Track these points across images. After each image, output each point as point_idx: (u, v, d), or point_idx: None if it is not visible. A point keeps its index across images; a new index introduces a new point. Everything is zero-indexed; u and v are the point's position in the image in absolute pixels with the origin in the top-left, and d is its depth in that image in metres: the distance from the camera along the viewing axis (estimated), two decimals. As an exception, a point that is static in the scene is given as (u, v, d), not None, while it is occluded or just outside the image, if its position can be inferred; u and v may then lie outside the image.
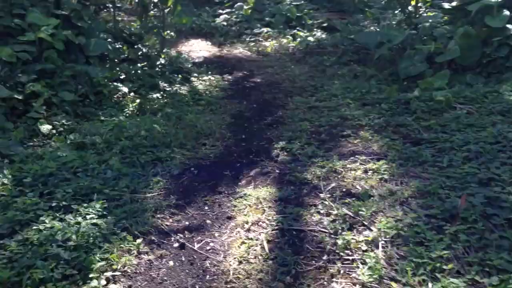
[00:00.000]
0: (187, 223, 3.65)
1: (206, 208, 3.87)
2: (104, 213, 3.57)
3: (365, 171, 4.10)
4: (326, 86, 7.15)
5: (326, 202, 3.66)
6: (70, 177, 4.07)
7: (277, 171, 4.41)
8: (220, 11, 13.60)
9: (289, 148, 4.85)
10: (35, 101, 5.47)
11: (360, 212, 3.40)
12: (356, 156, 4.42)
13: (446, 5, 10.55)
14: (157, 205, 3.83)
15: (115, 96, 6.27)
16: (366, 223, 3.29)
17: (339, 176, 4.07)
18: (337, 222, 3.37)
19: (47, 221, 3.41)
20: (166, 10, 8.27)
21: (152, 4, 8.52)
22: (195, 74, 7.76)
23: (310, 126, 5.43)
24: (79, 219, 3.47)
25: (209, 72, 8.12)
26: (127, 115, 5.91)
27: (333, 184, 3.96)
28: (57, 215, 3.54)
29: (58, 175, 4.09)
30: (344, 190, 3.83)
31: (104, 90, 6.20)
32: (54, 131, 5.21)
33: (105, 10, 12.57)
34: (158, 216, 3.70)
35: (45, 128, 5.15)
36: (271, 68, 8.64)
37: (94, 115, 5.77)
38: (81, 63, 6.50)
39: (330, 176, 4.11)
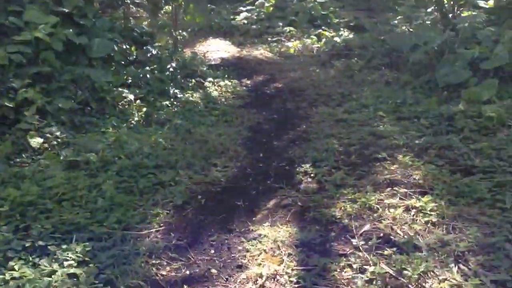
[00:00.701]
0: (187, 272, 2.97)
1: (213, 251, 3.18)
2: (86, 258, 2.93)
3: (407, 210, 3.37)
4: (355, 94, 6.40)
5: (360, 253, 2.94)
6: (52, 207, 3.44)
7: (299, 203, 3.70)
8: (241, 8, 12.90)
9: (314, 173, 4.13)
10: (27, 109, 4.86)
11: (405, 272, 2.67)
12: (395, 187, 3.69)
13: (482, 3, 9.69)
14: (153, 246, 3.16)
15: (120, 104, 5.63)
16: (413, 289, 2.57)
17: (375, 215, 3.34)
18: (374, 283, 2.65)
19: (16, 267, 2.79)
20: (178, 8, 7.59)
21: (163, 1, 7.84)
22: (210, 79, 7.07)
23: (338, 144, 4.70)
24: (55, 266, 2.84)
25: (226, 76, 7.42)
26: (132, 125, 5.26)
27: (367, 226, 3.23)
28: (31, 258, 2.92)
29: (39, 204, 3.46)
30: (381, 235, 3.11)
31: (107, 96, 5.56)
32: (46, 145, 4.59)
33: (122, 6, 11.96)
34: (153, 262, 3.03)
35: (36, 141, 4.53)
36: (294, 72, 7.90)
37: (94, 125, 5.14)
38: (83, 66, 5.87)
39: (363, 214, 3.39)
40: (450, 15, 8.50)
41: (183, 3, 7.38)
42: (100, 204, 3.53)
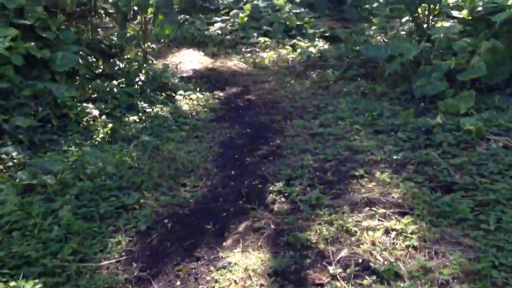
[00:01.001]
0: (150, 308, 2.71)
1: (178, 283, 2.92)
2: (36, 298, 2.64)
3: (386, 232, 3.17)
4: (331, 106, 6.21)
5: (338, 282, 2.72)
6: (1, 239, 3.13)
7: (272, 226, 3.46)
8: (216, 18, 12.68)
9: (288, 192, 3.90)
10: (-19, 128, 4.54)
11: (386, 305, 2.46)
12: (373, 207, 3.49)
13: (456, 13, 9.69)
14: (112, 280, 2.89)
15: (84, 120, 5.32)
16: (395, 326, 2.36)
17: (353, 239, 3.13)
18: (353, 318, 2.43)
19: (-44, 309, 2.49)
20: (148, 19, 7.31)
21: (131, 12, 7.55)
22: (181, 91, 6.79)
23: (313, 160, 4.49)
24: (1, 307, 2.54)
25: (198, 88, 7.16)
26: (96, 143, 4.96)
27: (345, 251, 3.02)
28: (-26, 299, 2.62)
29: (-14, 235, 3.16)
30: (360, 261, 2.89)
31: (69, 112, 5.25)
32: (1, 166, 4.26)
33: (96, 17, 11.61)
34: (112, 297, 2.76)
35: (-11, 163, 4.21)
36: (268, 83, 7.70)
37: (55, 144, 4.82)
38: (45, 81, 5.56)
39: (340, 237, 3.17)
40: (425, 26, 8.43)
41: (152, 14, 7.06)
42: (55, 233, 3.23)
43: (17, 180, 3.98)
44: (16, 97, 5.11)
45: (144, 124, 5.53)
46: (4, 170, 4.21)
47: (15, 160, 4.31)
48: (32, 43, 5.61)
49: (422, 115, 5.49)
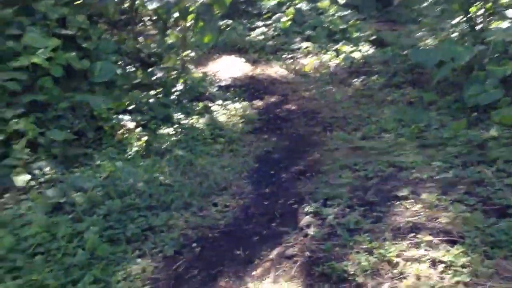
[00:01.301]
0: None
1: (202, 316, 2.73)
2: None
3: (433, 264, 2.84)
4: (374, 117, 5.88)
5: (377, 326, 2.44)
6: (23, 265, 3.02)
7: (306, 253, 3.20)
8: (258, 23, 12.49)
9: (324, 214, 3.63)
10: (16, 142, 4.52)
11: None
12: (418, 234, 3.16)
13: (510, 13, 9.03)
14: (133, 311, 2.72)
15: (119, 132, 5.23)
16: None
17: (395, 272, 2.82)
18: None
19: None
20: (188, 26, 7.15)
21: (172, 19, 7.42)
22: (219, 102, 6.63)
23: (353, 178, 4.20)
24: None
25: (236, 98, 6.98)
26: (129, 157, 4.86)
27: (386, 286, 2.73)
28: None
29: (8, 259, 3.06)
30: (403, 300, 2.60)
31: (105, 125, 5.18)
32: (33, 182, 4.22)
33: (140, 24, 11.69)
34: (132, 333, 2.59)
35: (21, 179, 4.17)
36: (308, 91, 7.42)
37: (89, 158, 4.75)
38: (83, 92, 5.52)
39: (381, 269, 2.88)
40: (478, 27, 7.89)
41: (193, 21, 6.89)
42: (79, 257, 3.10)
43: (47, 199, 3.91)
44: (53, 110, 5.10)
45: (178, 136, 5.39)
46: (36, 187, 4.17)
47: (47, 176, 4.26)
48: (73, 53, 5.58)
49: (475, 126, 5.07)
